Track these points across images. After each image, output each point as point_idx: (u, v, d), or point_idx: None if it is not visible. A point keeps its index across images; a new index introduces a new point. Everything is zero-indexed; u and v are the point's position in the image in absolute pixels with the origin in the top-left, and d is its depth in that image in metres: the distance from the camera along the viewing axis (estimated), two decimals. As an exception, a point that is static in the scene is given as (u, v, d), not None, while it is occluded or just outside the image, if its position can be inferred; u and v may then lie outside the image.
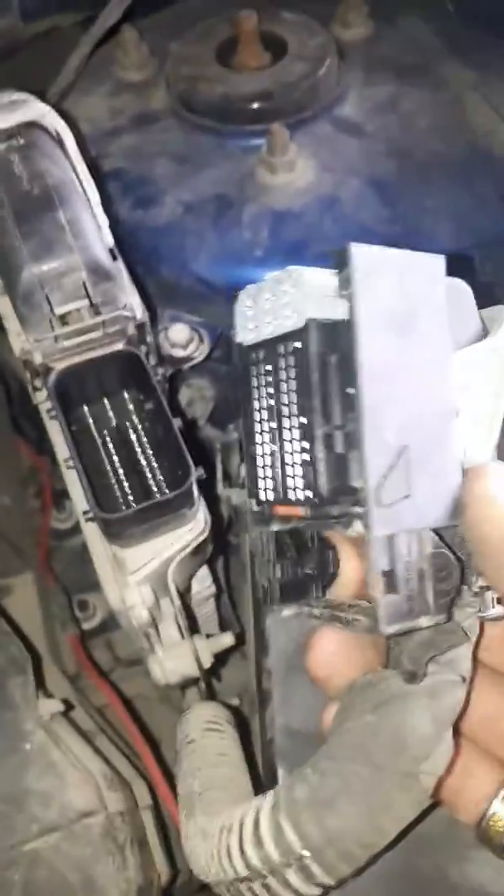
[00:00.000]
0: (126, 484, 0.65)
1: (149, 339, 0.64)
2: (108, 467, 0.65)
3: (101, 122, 0.87)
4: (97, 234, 0.59)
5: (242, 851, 0.47)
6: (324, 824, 0.44)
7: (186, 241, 0.78)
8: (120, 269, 0.60)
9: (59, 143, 0.63)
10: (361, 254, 0.41)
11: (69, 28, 1.04)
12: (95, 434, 0.66)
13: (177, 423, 0.61)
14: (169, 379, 0.74)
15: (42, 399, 0.64)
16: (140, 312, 0.62)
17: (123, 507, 0.63)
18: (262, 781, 0.60)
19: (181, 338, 0.75)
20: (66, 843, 0.60)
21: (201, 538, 0.62)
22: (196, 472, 0.59)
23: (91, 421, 0.66)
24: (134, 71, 0.90)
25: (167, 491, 0.63)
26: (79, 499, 0.65)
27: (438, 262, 0.43)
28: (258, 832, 0.46)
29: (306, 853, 0.45)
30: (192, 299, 0.78)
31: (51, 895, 0.59)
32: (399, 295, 0.42)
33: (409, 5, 0.93)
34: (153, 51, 0.91)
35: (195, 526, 0.62)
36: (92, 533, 0.64)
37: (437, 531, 0.42)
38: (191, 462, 0.59)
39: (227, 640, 0.68)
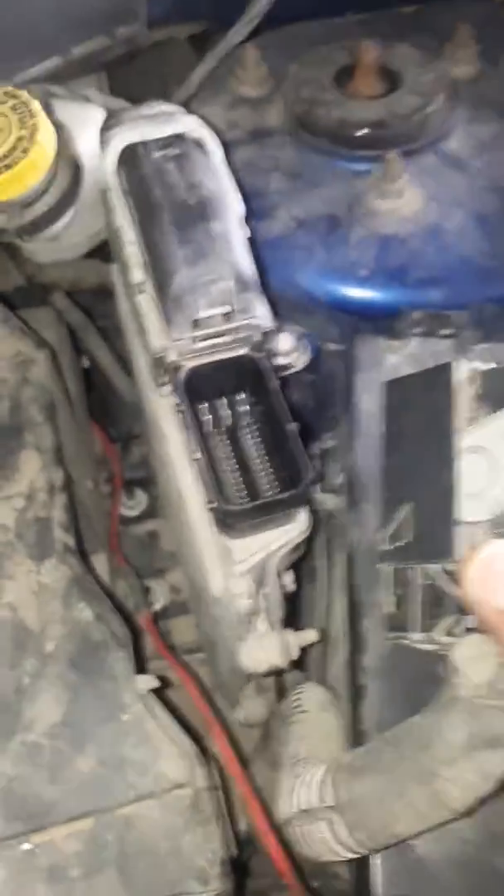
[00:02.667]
0: (236, 480, 0.70)
1: (269, 346, 0.68)
2: (222, 463, 0.69)
3: (218, 134, 0.91)
4: (243, 246, 0.63)
5: (298, 794, 0.57)
6: (350, 787, 0.54)
7: (295, 255, 0.83)
8: (257, 280, 0.64)
9: (207, 154, 0.67)
10: None
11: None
12: (212, 430, 0.70)
13: (293, 426, 0.65)
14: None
15: (165, 394, 0.68)
16: (268, 322, 0.66)
17: (236, 502, 0.67)
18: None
19: (287, 346, 0.79)
20: (159, 810, 0.64)
21: (304, 536, 0.67)
22: (310, 475, 0.63)
23: (209, 418, 0.70)
24: (251, 87, 0.94)
25: (276, 489, 0.68)
26: (188, 490, 0.69)
27: None
28: (312, 780, 0.57)
29: (333, 805, 0.54)
30: (294, 310, 0.82)
31: (142, 858, 0.63)
32: None
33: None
34: (270, 69, 0.95)
35: (300, 525, 0.66)
36: (200, 523, 0.68)
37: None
38: (307, 464, 0.63)
39: (312, 635, 0.72)
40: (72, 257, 1.00)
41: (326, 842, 0.55)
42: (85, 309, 1.19)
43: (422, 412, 0.62)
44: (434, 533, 0.57)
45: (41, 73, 0.93)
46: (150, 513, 1.14)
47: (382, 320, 0.80)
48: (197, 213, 0.62)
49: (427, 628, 0.57)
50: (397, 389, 0.66)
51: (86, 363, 1.16)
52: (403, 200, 0.83)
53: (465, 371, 0.60)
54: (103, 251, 1.02)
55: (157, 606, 1.05)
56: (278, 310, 0.84)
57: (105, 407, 1.20)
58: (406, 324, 0.75)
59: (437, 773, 0.49)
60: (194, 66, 1.10)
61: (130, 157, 0.67)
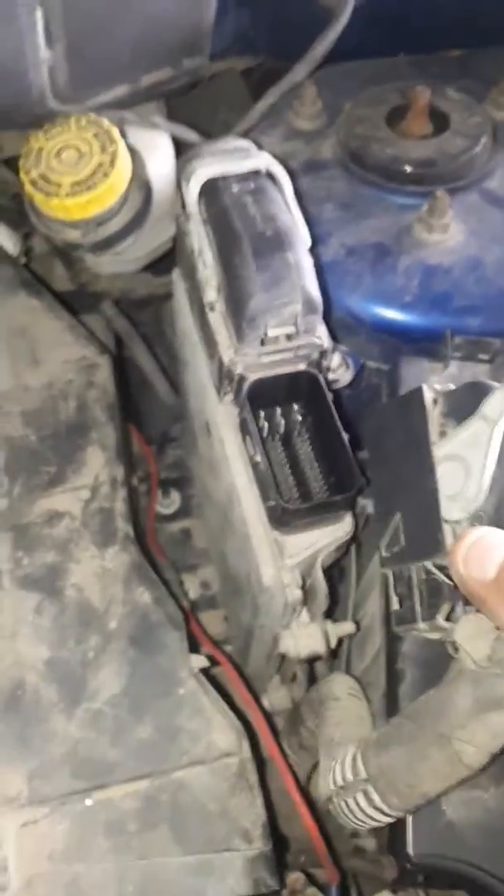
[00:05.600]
0: (289, 482, 0.77)
1: (325, 363, 0.75)
2: (276, 466, 0.77)
3: (276, 163, 0.98)
4: (311, 273, 0.70)
5: (335, 773, 0.64)
6: (378, 759, 0.62)
7: (345, 280, 0.89)
8: (321, 304, 0.71)
9: (280, 189, 0.74)
10: None
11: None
12: (268, 436, 0.77)
13: (346, 436, 0.72)
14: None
15: (228, 402, 0.75)
16: (326, 341, 0.73)
17: (291, 502, 0.74)
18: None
19: (334, 363, 0.86)
20: (209, 775, 0.71)
21: (349, 536, 0.74)
22: (361, 482, 0.70)
23: (265, 424, 0.77)
24: (307, 121, 1.01)
25: (326, 492, 0.75)
26: (244, 490, 0.76)
27: None
28: (346, 759, 0.64)
29: (366, 777, 0.62)
30: (340, 330, 0.89)
31: (192, 817, 0.70)
32: None
33: None
34: (325, 104, 1.02)
35: (346, 526, 0.73)
36: (254, 520, 0.75)
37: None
38: (358, 472, 0.70)
39: (350, 627, 0.79)
40: (131, 270, 1.07)
41: (365, 809, 0.63)
42: (129, 317, 1.27)
43: (400, 432, 0.69)
44: (424, 534, 0.64)
45: (110, 100, 1.00)
46: (184, 512, 1.20)
47: (422, 343, 0.86)
48: (274, 244, 0.69)
49: (429, 618, 0.64)
50: (375, 415, 0.74)
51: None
52: (448, 234, 0.90)
53: (431, 393, 0.68)
54: (154, 266, 1.10)
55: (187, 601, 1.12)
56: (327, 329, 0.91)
57: (141, 410, 1.27)
58: (448, 347, 0.82)
59: (452, 737, 0.57)
60: (244, 96, 1.18)
61: (211, 190, 0.74)
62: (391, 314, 0.88)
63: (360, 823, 0.64)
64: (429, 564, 0.64)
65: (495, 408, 0.63)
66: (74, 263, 1.13)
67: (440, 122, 0.97)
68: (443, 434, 0.67)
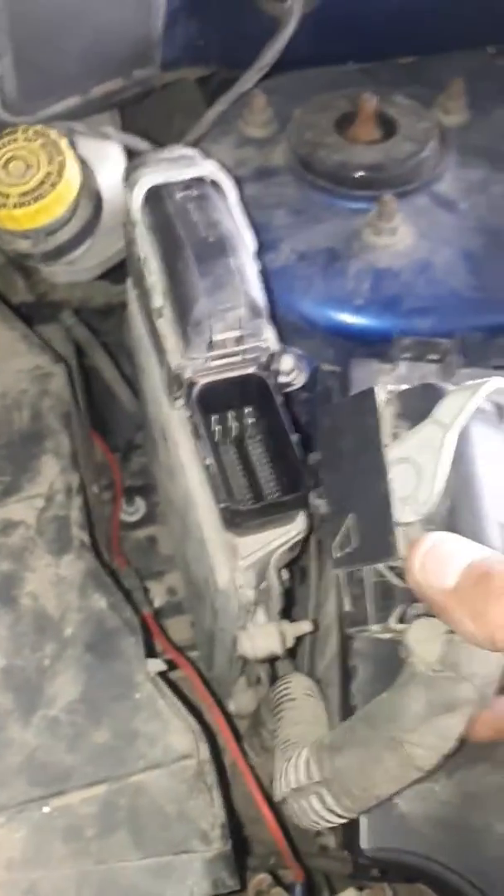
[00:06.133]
0: (242, 484, 0.78)
1: (273, 366, 0.76)
2: (229, 469, 0.77)
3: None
4: (256, 278, 0.71)
5: (288, 774, 0.65)
6: (332, 763, 0.61)
7: (296, 285, 0.90)
8: (267, 308, 0.72)
9: (223, 196, 0.75)
10: None
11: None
12: (220, 440, 0.78)
13: (294, 438, 0.73)
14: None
15: (179, 406, 0.76)
16: (274, 345, 0.74)
17: (243, 503, 0.75)
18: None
19: (287, 366, 0.87)
20: (166, 778, 0.72)
21: (301, 536, 0.75)
22: (308, 482, 0.71)
23: (219, 428, 0.78)
24: (258, 128, 1.02)
25: (278, 493, 0.76)
26: (198, 493, 0.76)
27: None
28: (299, 762, 0.64)
29: (319, 780, 0.62)
30: (293, 334, 0.90)
31: (150, 820, 0.70)
32: None
33: (504, 99, 1.07)
34: (275, 112, 1.03)
35: (299, 525, 0.74)
36: (208, 523, 0.75)
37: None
38: (305, 472, 0.71)
39: (307, 626, 0.80)
40: (86, 279, 1.08)
41: (318, 811, 0.63)
42: (89, 326, 1.27)
43: (352, 433, 0.69)
44: (376, 536, 0.64)
45: (62, 111, 1.01)
46: (149, 519, 1.21)
47: (375, 345, 0.87)
48: (216, 249, 0.70)
49: (381, 620, 0.64)
50: (328, 415, 0.74)
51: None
52: (397, 237, 0.91)
53: (384, 394, 0.68)
54: (111, 274, 1.11)
55: (154, 606, 1.12)
56: (280, 333, 0.92)
57: (105, 418, 1.28)
58: (397, 349, 0.83)
59: (404, 740, 0.57)
60: (199, 105, 1.19)
61: (155, 197, 0.75)
62: (343, 317, 0.89)
63: (315, 824, 0.64)
64: (380, 566, 0.65)
65: (448, 412, 0.63)
66: (31, 274, 1.13)
67: (388, 127, 0.98)
68: (396, 436, 0.67)
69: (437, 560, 0.55)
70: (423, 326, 0.87)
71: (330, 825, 0.64)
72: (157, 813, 0.70)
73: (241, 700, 1.00)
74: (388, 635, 0.65)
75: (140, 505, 1.21)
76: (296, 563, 0.86)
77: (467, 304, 0.89)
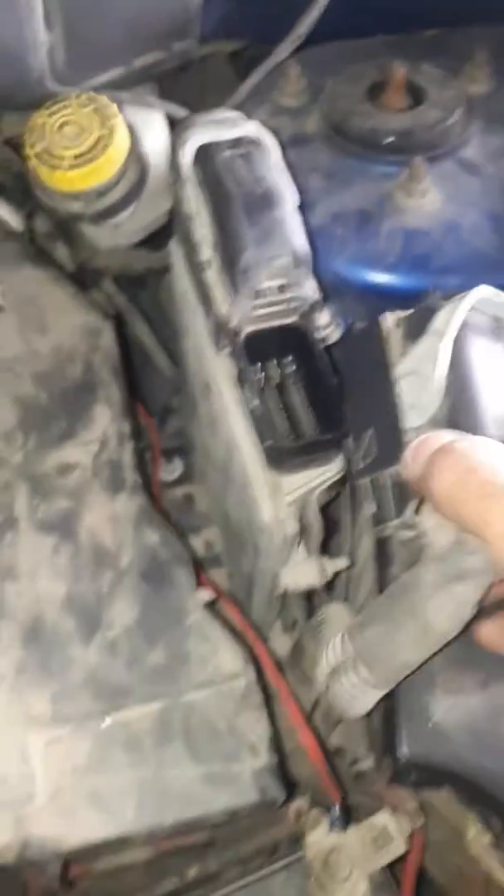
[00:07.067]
0: (285, 427, 0.83)
1: (315, 315, 0.81)
2: (272, 412, 0.83)
3: (264, 137, 1.04)
4: (299, 229, 0.77)
5: (328, 656, 0.72)
6: (363, 635, 0.69)
7: (331, 245, 0.95)
8: (310, 258, 0.78)
9: (267, 153, 0.80)
10: None
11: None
12: (263, 386, 0.83)
13: (335, 381, 0.79)
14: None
15: (224, 355, 0.81)
16: (315, 294, 0.79)
17: (286, 442, 0.80)
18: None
19: (324, 321, 0.92)
20: (216, 696, 0.77)
21: (340, 475, 0.80)
22: (347, 422, 0.77)
23: (262, 375, 0.83)
24: (292, 98, 1.07)
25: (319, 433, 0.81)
26: (242, 437, 0.81)
27: None
28: (335, 641, 0.71)
29: (352, 654, 0.69)
30: (328, 291, 0.95)
31: (203, 733, 0.76)
32: None
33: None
34: (308, 82, 1.08)
35: (337, 465, 0.79)
36: (253, 463, 0.81)
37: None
38: (344, 412, 0.77)
39: (343, 562, 0.86)
40: (128, 243, 1.13)
41: (354, 685, 0.69)
42: (128, 294, 1.33)
43: (364, 357, 0.79)
44: (391, 443, 0.73)
45: (106, 82, 1.07)
46: (187, 477, 1.26)
47: (406, 302, 0.92)
48: (263, 201, 0.75)
49: (399, 514, 0.71)
50: (344, 344, 0.82)
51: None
52: (426, 199, 0.96)
53: (392, 319, 0.78)
54: (150, 241, 1.16)
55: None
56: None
57: (140, 384, 1.33)
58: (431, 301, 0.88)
59: (424, 608, 0.63)
60: (231, 79, 1.24)
61: (204, 155, 0.80)
62: (375, 276, 0.94)
63: (352, 704, 0.70)
64: (397, 469, 0.71)
65: (442, 322, 0.72)
66: (74, 240, 1.19)
67: (417, 95, 1.03)
68: (404, 355, 0.76)
69: (421, 453, 0.62)
70: (451, 284, 0.92)
71: (367, 705, 0.70)
72: (209, 727, 0.76)
73: (278, 644, 1.06)
74: (408, 529, 0.71)
75: (178, 464, 1.27)
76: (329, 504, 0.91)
77: (492, 263, 0.94)
